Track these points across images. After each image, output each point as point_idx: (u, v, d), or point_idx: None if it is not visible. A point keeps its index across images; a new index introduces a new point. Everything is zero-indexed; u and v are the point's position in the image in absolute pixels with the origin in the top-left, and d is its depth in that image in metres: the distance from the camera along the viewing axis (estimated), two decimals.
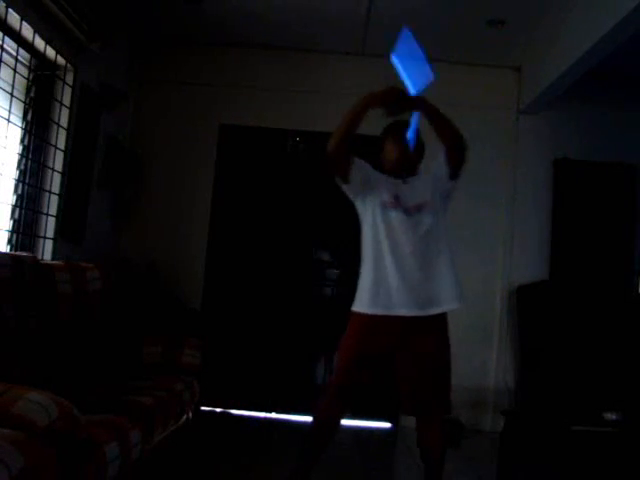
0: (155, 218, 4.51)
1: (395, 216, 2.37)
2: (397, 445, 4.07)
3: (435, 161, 2.47)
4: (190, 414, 3.12)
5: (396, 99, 2.27)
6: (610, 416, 2.94)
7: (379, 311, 2.34)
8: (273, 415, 4.40)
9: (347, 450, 3.69)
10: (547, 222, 4.49)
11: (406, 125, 2.39)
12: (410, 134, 2.36)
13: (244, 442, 3.74)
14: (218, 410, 4.37)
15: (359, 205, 2.50)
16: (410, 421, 4.14)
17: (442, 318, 2.41)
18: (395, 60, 2.24)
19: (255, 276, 4.57)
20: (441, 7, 3.75)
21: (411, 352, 2.36)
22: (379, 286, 2.35)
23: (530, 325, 4.23)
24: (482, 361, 4.43)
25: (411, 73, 2.23)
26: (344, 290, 4.47)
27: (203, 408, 4.14)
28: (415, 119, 2.34)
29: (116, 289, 3.42)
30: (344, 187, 2.45)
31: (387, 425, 4.39)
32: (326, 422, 2.45)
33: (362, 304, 2.39)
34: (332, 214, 4.51)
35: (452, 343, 2.64)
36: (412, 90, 2.24)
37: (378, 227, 2.39)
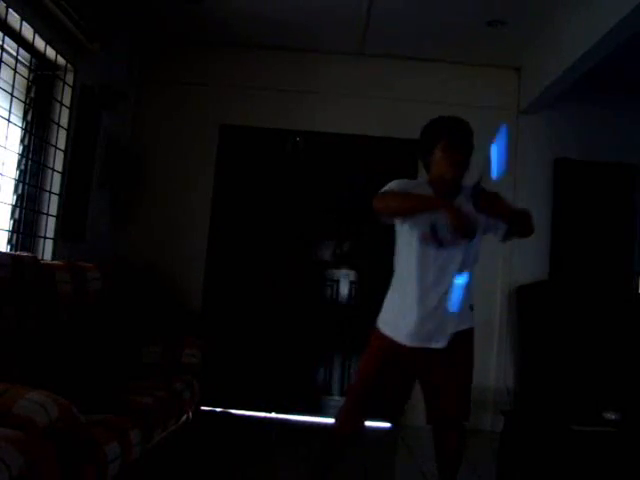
0: (155, 218, 4.50)
1: (428, 248, 2.26)
2: (397, 445, 4.06)
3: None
4: (190, 414, 3.13)
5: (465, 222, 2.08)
6: (610, 416, 2.94)
7: (400, 340, 2.33)
8: (273, 415, 4.40)
9: (347, 450, 3.68)
10: (547, 222, 4.48)
11: (470, 132, 2.19)
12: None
13: (244, 442, 3.75)
14: (218, 410, 4.37)
15: (397, 223, 2.37)
16: (410, 421, 4.17)
17: (465, 334, 2.35)
18: (492, 150, 2.17)
19: (255, 276, 4.57)
20: (441, 7, 3.74)
21: (433, 370, 2.36)
22: (402, 315, 2.32)
23: (530, 325, 4.22)
24: (482, 361, 4.40)
25: (498, 164, 2.16)
26: (344, 290, 4.51)
27: (203, 408, 4.13)
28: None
29: (116, 289, 3.42)
30: (386, 220, 2.33)
31: (387, 425, 4.39)
32: (345, 433, 2.49)
33: (385, 325, 2.38)
34: (332, 214, 4.52)
35: None
36: (494, 176, 2.16)
37: (412, 253, 2.28)
